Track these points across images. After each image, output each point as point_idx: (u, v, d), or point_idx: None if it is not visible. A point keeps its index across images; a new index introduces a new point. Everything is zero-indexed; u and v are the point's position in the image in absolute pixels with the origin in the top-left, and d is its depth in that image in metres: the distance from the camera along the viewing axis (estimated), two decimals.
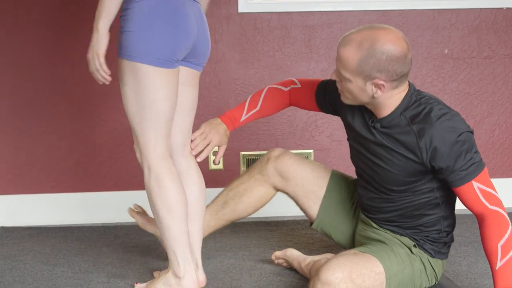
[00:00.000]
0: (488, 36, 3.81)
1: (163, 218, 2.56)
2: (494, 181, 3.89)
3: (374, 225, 2.67)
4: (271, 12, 3.70)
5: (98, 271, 2.95)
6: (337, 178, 2.88)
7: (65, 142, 3.69)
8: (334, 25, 3.73)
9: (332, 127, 3.78)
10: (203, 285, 2.74)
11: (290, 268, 2.92)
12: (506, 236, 2.38)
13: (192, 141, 2.77)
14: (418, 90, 2.53)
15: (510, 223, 2.41)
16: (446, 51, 3.81)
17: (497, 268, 2.36)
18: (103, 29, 2.42)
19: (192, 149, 2.76)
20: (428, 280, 2.61)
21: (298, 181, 2.85)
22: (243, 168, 3.76)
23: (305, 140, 3.80)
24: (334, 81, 2.72)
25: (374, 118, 2.53)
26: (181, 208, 2.56)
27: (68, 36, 3.60)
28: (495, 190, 2.45)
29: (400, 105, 2.47)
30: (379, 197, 2.62)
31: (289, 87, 2.88)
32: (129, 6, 2.43)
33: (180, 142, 2.69)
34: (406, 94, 2.47)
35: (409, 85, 2.50)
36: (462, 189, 2.43)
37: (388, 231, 2.64)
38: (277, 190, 2.90)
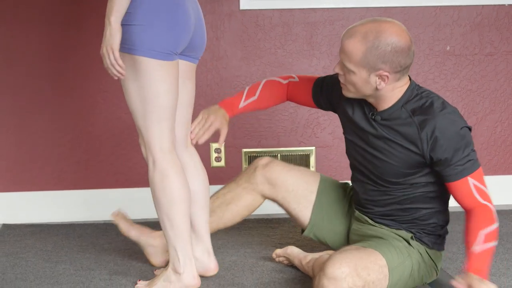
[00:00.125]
0: (490, 33, 3.80)
1: (166, 213, 2.56)
2: (496, 178, 3.89)
3: (370, 221, 2.68)
4: (273, 9, 3.70)
5: (100, 268, 2.95)
6: (326, 182, 2.90)
7: (67, 140, 3.69)
8: (336, 22, 3.73)
9: (334, 124, 3.78)
10: (215, 272, 2.77)
11: (291, 265, 2.92)
12: (491, 228, 2.42)
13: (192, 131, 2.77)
14: (418, 85, 2.57)
15: (497, 221, 2.45)
16: (448, 48, 3.81)
17: (476, 251, 2.38)
18: (115, 23, 2.41)
19: (191, 133, 2.74)
20: (428, 273, 2.62)
21: (288, 187, 2.85)
22: (244, 165, 3.76)
23: (307, 137, 3.80)
24: (332, 77, 2.77)
25: (374, 111, 2.57)
26: (185, 203, 2.57)
27: (70, 33, 3.60)
28: (487, 190, 2.48)
29: (401, 98, 2.51)
30: (376, 190, 2.64)
31: (288, 81, 2.89)
32: None
33: (181, 135, 2.70)
34: (407, 88, 2.52)
35: (410, 80, 2.55)
36: (457, 184, 2.46)
37: (384, 226, 2.65)
38: (265, 198, 2.90)
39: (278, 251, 2.92)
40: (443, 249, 2.68)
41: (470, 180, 2.45)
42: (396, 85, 2.49)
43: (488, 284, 2.30)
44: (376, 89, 2.47)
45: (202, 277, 2.75)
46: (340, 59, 2.50)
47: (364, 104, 2.60)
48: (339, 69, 2.51)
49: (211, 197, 2.91)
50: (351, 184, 2.81)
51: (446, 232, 2.68)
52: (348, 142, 2.71)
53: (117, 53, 2.42)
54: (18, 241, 3.35)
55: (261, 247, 3.19)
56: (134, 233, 2.89)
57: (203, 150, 3.59)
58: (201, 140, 2.75)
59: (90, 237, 3.39)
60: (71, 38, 3.60)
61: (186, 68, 2.65)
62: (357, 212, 2.74)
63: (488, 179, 3.88)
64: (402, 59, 2.43)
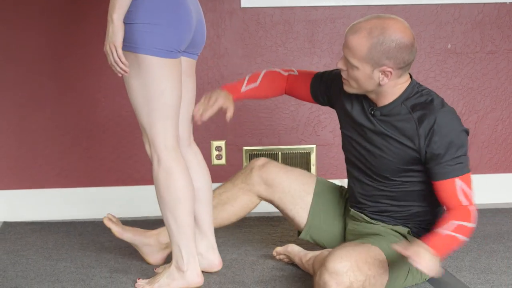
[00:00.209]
0: (492, 31, 3.80)
1: (170, 210, 2.57)
2: (497, 176, 3.89)
3: (366, 218, 2.69)
4: (274, 7, 3.70)
5: (100, 266, 2.95)
6: (323, 183, 2.91)
7: (67, 137, 3.69)
8: (337, 20, 3.72)
9: (335, 122, 3.77)
10: (220, 267, 2.79)
11: (292, 263, 2.92)
12: (466, 224, 2.43)
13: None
14: (419, 83, 2.60)
15: (475, 223, 2.45)
16: (449, 46, 3.80)
17: (441, 232, 2.40)
18: (118, 20, 2.41)
19: (194, 111, 2.71)
20: None
21: (285, 188, 2.85)
22: (245, 163, 3.76)
23: (308, 135, 3.80)
24: (331, 72, 2.81)
25: (374, 106, 2.59)
26: (189, 201, 2.57)
27: (71, 31, 3.60)
28: (473, 195, 2.49)
29: (402, 94, 2.54)
30: (372, 185, 2.66)
31: (288, 73, 2.91)
32: None
33: (184, 133, 2.71)
34: (408, 85, 2.55)
35: (411, 77, 2.57)
36: (443, 183, 2.48)
37: (380, 223, 2.66)
38: (261, 199, 2.90)
39: (279, 249, 2.92)
40: None
41: (458, 182, 2.47)
42: (398, 82, 2.52)
43: (435, 261, 2.31)
44: (379, 84, 2.50)
45: (205, 273, 2.76)
46: (343, 54, 2.52)
47: (363, 100, 2.62)
48: (342, 64, 2.53)
49: None
50: (347, 181, 2.82)
51: None
52: (345, 137, 2.73)
53: (120, 51, 2.42)
54: (18, 238, 3.35)
55: (261, 245, 3.19)
56: (127, 234, 2.89)
57: (204, 148, 3.58)
58: (205, 116, 2.70)
59: (91, 235, 3.39)
60: (71, 35, 3.60)
61: (186, 65, 2.66)
62: (352, 211, 2.75)
63: (489, 177, 3.90)
64: (406, 55, 2.45)
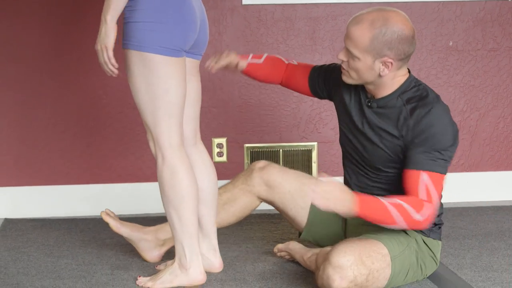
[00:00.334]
0: (493, 29, 3.80)
1: (174, 208, 2.57)
2: (498, 174, 3.89)
3: None
4: (275, 4, 3.70)
5: (101, 263, 2.95)
6: None
7: (69, 134, 3.69)
8: (339, 17, 3.72)
9: (336, 120, 3.76)
10: (220, 270, 2.79)
11: (293, 260, 2.92)
12: (410, 211, 2.42)
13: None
14: (416, 78, 2.63)
15: (422, 217, 2.43)
16: (450, 44, 3.80)
17: (379, 198, 2.42)
18: (111, 22, 2.42)
19: (208, 62, 2.76)
20: (427, 262, 2.62)
21: (285, 188, 2.85)
22: (247, 160, 3.76)
23: (309, 132, 3.80)
24: (330, 65, 2.85)
25: (371, 98, 2.62)
26: (193, 199, 2.58)
27: (72, 27, 3.60)
28: (437, 198, 2.47)
29: (399, 88, 2.57)
30: (366, 177, 2.69)
31: (288, 62, 2.94)
32: None
33: (190, 132, 2.71)
34: (406, 79, 2.59)
35: (409, 72, 2.61)
36: (410, 172, 2.49)
37: None
38: (262, 200, 2.91)
39: (280, 246, 2.92)
40: (439, 238, 2.69)
41: (423, 177, 2.46)
42: (397, 74, 2.56)
43: (339, 203, 2.37)
44: (379, 75, 2.53)
45: (205, 272, 2.76)
46: (344, 46, 2.55)
47: (361, 92, 2.65)
48: (343, 56, 2.56)
49: None
50: (343, 174, 2.83)
51: (441, 222, 2.70)
52: (341, 129, 2.76)
53: (110, 52, 2.44)
54: (20, 235, 3.35)
55: (262, 243, 3.19)
56: (125, 229, 2.89)
57: (205, 146, 3.57)
58: (217, 66, 2.74)
59: (92, 231, 3.39)
60: (72, 33, 3.60)
61: (191, 65, 2.66)
62: None
63: (490, 175, 3.90)
64: (406, 46, 2.49)
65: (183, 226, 2.58)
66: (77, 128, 3.68)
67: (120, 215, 3.65)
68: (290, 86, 2.94)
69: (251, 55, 2.91)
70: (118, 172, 3.73)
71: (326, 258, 2.46)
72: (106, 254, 3.06)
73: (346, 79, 2.60)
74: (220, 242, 3.13)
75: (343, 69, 2.59)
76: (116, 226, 2.88)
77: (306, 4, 3.70)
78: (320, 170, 3.79)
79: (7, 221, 3.60)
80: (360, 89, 2.65)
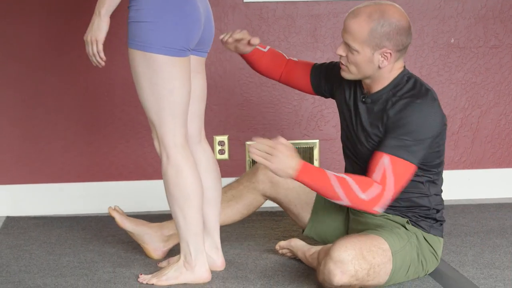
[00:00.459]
0: (495, 26, 3.79)
1: (179, 207, 2.57)
2: (500, 171, 3.89)
3: None
4: (277, 2, 3.69)
5: (103, 261, 2.95)
6: None
7: (70, 132, 3.69)
8: (340, 15, 3.72)
9: (338, 117, 3.77)
10: (222, 268, 2.79)
11: (295, 258, 2.92)
12: (354, 188, 2.44)
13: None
14: (410, 73, 2.64)
15: (367, 198, 2.44)
16: (452, 41, 3.80)
17: (324, 169, 2.47)
18: (105, 16, 2.45)
19: (222, 36, 2.77)
20: (428, 259, 2.62)
21: (289, 185, 2.88)
22: (248, 158, 3.76)
23: (311, 130, 3.79)
24: (330, 63, 2.85)
25: (366, 94, 2.64)
26: (198, 198, 2.58)
27: (73, 26, 3.60)
28: (392, 183, 2.46)
29: (392, 81, 2.60)
30: (364, 175, 2.66)
31: (289, 58, 2.94)
32: None
33: (194, 130, 2.71)
34: (400, 73, 2.61)
35: (404, 66, 2.63)
36: (375, 154, 2.52)
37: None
38: (266, 197, 2.94)
39: (282, 243, 2.92)
40: (441, 235, 2.69)
41: (385, 159, 2.47)
42: (395, 66, 2.58)
43: (283, 166, 2.41)
44: (379, 67, 2.55)
45: None
46: (343, 40, 2.57)
47: (358, 88, 2.67)
48: (342, 50, 2.58)
49: None
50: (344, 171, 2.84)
51: (443, 219, 2.70)
52: (341, 127, 2.78)
53: (100, 46, 2.46)
54: (22, 233, 3.36)
55: (264, 240, 3.19)
56: (129, 224, 2.90)
57: None
58: (231, 38, 2.74)
59: (94, 229, 3.40)
60: (73, 31, 3.60)
61: (196, 63, 2.66)
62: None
63: (492, 172, 3.90)
64: (404, 37, 2.53)
65: (188, 224, 2.59)
66: (78, 126, 3.68)
67: None
68: (290, 82, 2.93)
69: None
70: (120, 170, 3.73)
71: (327, 253, 2.47)
72: (108, 251, 3.07)
73: (345, 74, 2.62)
74: (222, 239, 3.13)
75: (342, 64, 2.61)
76: (121, 220, 2.89)
77: (307, 1, 3.70)
78: (322, 167, 3.79)
79: (9, 219, 3.60)
80: (358, 85, 2.67)
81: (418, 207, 2.64)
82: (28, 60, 3.62)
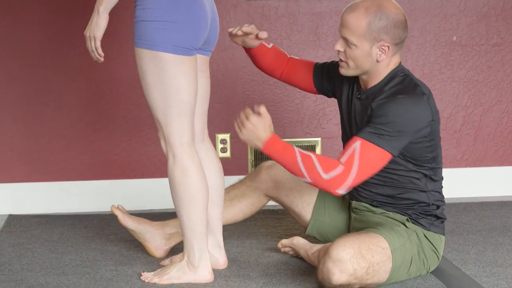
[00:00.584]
0: (497, 23, 3.79)
1: (184, 207, 2.57)
2: (502, 169, 3.88)
3: (366, 205, 2.70)
4: (279, 0, 3.69)
5: (105, 259, 2.95)
6: None
7: (72, 130, 3.69)
8: None
9: None
10: (224, 267, 2.79)
11: (297, 256, 2.92)
12: (317, 166, 2.45)
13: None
14: (405, 68, 2.64)
15: (328, 180, 2.44)
16: (454, 38, 3.79)
17: (291, 144, 2.51)
18: (104, 13, 2.46)
19: (230, 29, 2.77)
20: (429, 256, 2.62)
21: (292, 184, 2.90)
22: (250, 156, 3.76)
23: (313, 128, 3.79)
24: (331, 62, 2.86)
25: (361, 90, 2.66)
26: (203, 198, 2.58)
27: (75, 23, 3.60)
28: (357, 166, 2.45)
29: (387, 76, 2.60)
30: None
31: (290, 56, 2.95)
32: None
33: (198, 129, 2.71)
34: (394, 68, 2.62)
35: (400, 62, 2.64)
36: (351, 138, 2.54)
37: (379, 209, 2.67)
38: (269, 198, 2.96)
39: (284, 241, 2.92)
40: (442, 233, 2.68)
41: (356, 143, 2.48)
42: (392, 61, 2.60)
43: (252, 138, 2.50)
44: (377, 61, 2.56)
45: None
46: (341, 35, 2.59)
47: (355, 85, 2.68)
48: (340, 46, 2.59)
49: None
50: None
51: (444, 216, 2.69)
52: (341, 125, 2.79)
53: (98, 42, 2.48)
54: (24, 231, 3.36)
55: (266, 239, 3.19)
56: (131, 222, 2.90)
57: None
58: (243, 29, 2.74)
59: (96, 228, 3.40)
60: (75, 28, 3.59)
61: (200, 62, 2.66)
62: (353, 202, 2.76)
63: (494, 170, 3.89)
64: (401, 31, 2.55)
65: (193, 225, 2.59)
66: (81, 124, 3.69)
67: None
68: (291, 81, 2.93)
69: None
70: (122, 168, 3.73)
71: (326, 252, 2.48)
72: (110, 250, 3.07)
73: (343, 70, 2.63)
74: (224, 238, 3.13)
75: (341, 61, 2.62)
76: (123, 219, 2.90)
77: None
78: None
79: (11, 217, 3.60)
80: (355, 83, 2.68)
81: (417, 203, 2.64)
82: (29, 58, 3.62)
